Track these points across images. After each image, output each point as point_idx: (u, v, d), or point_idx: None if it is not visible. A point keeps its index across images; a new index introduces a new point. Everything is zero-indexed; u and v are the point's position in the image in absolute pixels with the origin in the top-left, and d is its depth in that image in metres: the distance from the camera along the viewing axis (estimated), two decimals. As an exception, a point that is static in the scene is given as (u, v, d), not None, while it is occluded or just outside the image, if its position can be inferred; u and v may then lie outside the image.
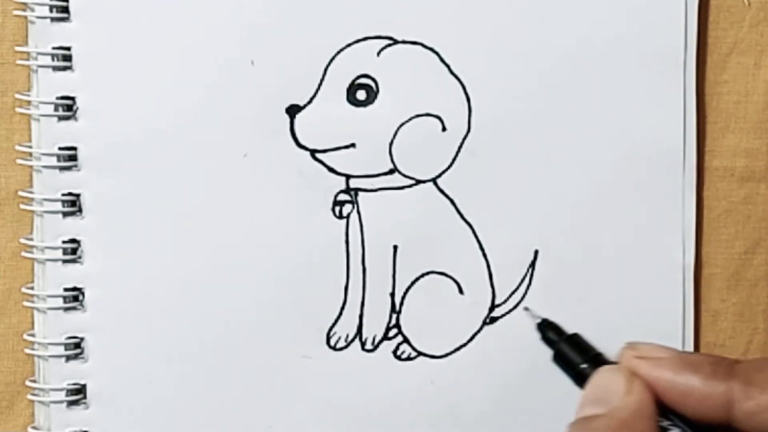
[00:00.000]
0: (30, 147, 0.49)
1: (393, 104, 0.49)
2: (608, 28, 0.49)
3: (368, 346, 0.50)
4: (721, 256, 0.51)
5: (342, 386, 0.50)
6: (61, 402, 0.49)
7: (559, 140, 0.50)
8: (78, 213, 0.49)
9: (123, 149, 0.49)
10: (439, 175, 0.50)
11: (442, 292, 0.50)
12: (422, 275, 0.50)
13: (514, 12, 0.49)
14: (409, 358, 0.50)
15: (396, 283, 0.50)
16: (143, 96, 0.48)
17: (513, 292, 0.50)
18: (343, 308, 0.50)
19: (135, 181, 0.49)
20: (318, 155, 0.49)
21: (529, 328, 0.50)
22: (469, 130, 0.49)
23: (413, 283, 0.50)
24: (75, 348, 0.49)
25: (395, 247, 0.50)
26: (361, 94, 0.49)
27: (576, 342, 0.46)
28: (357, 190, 0.49)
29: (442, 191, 0.50)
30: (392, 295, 0.50)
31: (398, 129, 0.49)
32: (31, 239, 0.49)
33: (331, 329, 0.50)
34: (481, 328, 0.50)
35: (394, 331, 0.50)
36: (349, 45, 0.49)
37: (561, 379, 0.50)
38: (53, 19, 0.48)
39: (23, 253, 0.49)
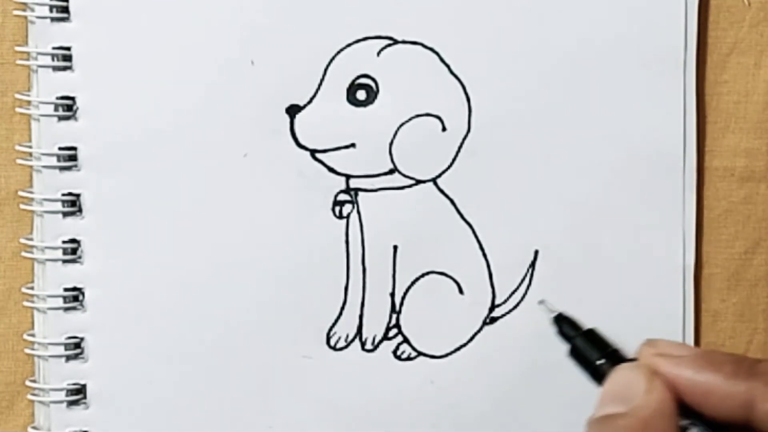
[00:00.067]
0: (30, 147, 0.49)
1: (393, 104, 0.49)
2: (608, 28, 0.49)
3: (368, 346, 0.50)
4: (721, 256, 0.51)
5: (342, 386, 0.50)
6: (61, 402, 0.49)
7: (559, 140, 0.50)
8: (78, 213, 0.49)
9: (123, 149, 0.49)
10: (439, 175, 0.50)
11: (442, 292, 0.50)
12: (422, 275, 0.50)
13: (514, 12, 0.49)
14: (409, 358, 0.50)
15: (396, 283, 0.50)
16: (143, 96, 0.48)
17: (513, 292, 0.50)
18: (343, 308, 0.50)
19: (135, 181, 0.49)
20: (318, 155, 0.49)
21: (529, 327, 0.50)
22: (469, 130, 0.49)
23: (413, 283, 0.50)
24: (75, 348, 0.49)
25: (395, 247, 0.50)
26: (361, 94, 0.49)
27: (593, 337, 0.45)
28: (357, 190, 0.49)
29: (442, 191, 0.50)
30: (392, 295, 0.50)
31: (398, 129, 0.49)
32: (31, 239, 0.49)
33: (331, 329, 0.50)
34: (481, 328, 0.50)
35: (394, 331, 0.50)
36: (349, 45, 0.49)
37: (561, 379, 0.50)
38: (53, 19, 0.48)
39: (23, 253, 0.49)
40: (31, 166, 0.49)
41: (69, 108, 0.48)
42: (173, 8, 0.48)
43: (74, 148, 0.49)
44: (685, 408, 0.40)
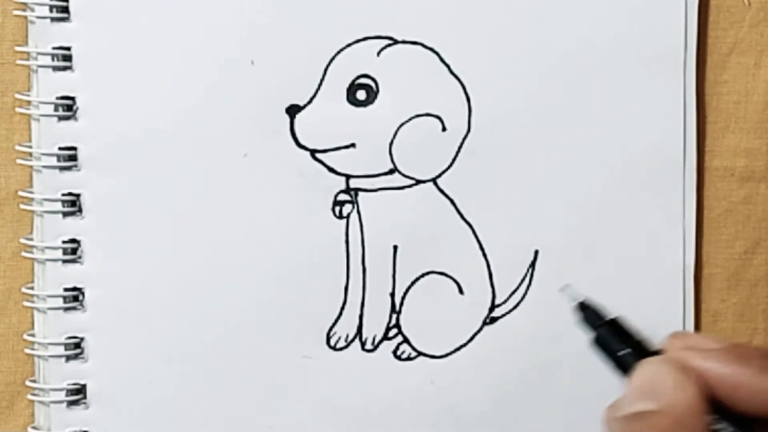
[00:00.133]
0: (30, 147, 0.49)
1: (393, 104, 0.49)
2: (608, 28, 0.49)
3: (368, 346, 0.50)
4: (721, 256, 0.51)
5: (342, 386, 0.50)
6: (61, 402, 0.49)
7: (559, 140, 0.50)
8: (78, 213, 0.49)
9: (123, 149, 0.49)
10: (439, 175, 0.50)
11: (442, 292, 0.50)
12: (422, 275, 0.50)
13: (514, 12, 0.49)
14: (409, 358, 0.50)
15: (396, 283, 0.50)
16: (143, 96, 0.48)
17: (513, 292, 0.50)
18: (343, 308, 0.50)
19: (135, 181, 0.49)
20: (318, 155, 0.49)
21: (529, 327, 0.50)
22: (469, 130, 0.50)
23: (413, 283, 0.50)
24: (75, 348, 0.49)
25: (395, 247, 0.50)
26: (361, 94, 0.49)
27: (617, 326, 0.43)
28: (357, 190, 0.49)
29: (442, 191, 0.50)
30: (392, 295, 0.50)
31: (398, 129, 0.49)
32: (31, 239, 0.49)
33: (331, 329, 0.50)
34: (481, 328, 0.50)
35: (394, 331, 0.50)
36: (349, 45, 0.49)
37: (561, 378, 0.51)
38: (53, 19, 0.48)
39: (23, 253, 0.49)
40: (31, 166, 0.49)
41: (69, 108, 0.48)
42: (173, 8, 0.48)
43: (74, 148, 0.49)
44: (712, 402, 0.38)
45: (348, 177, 0.49)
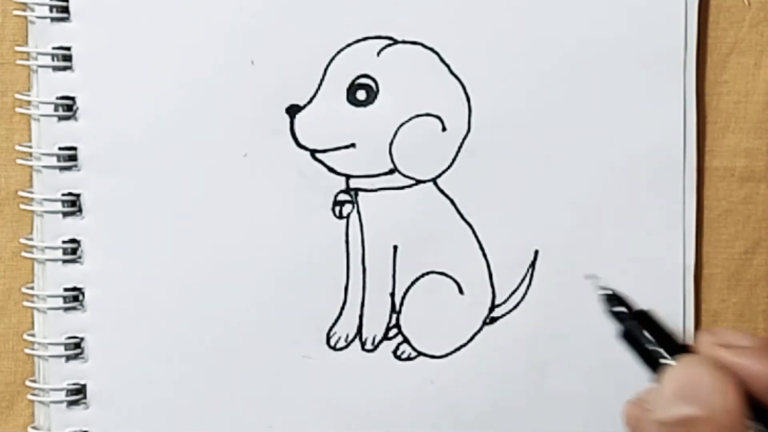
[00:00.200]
0: (30, 147, 0.49)
1: (393, 104, 0.49)
2: (608, 28, 0.49)
3: (368, 346, 0.50)
4: (721, 256, 0.51)
5: (342, 386, 0.50)
6: (61, 402, 0.49)
7: (559, 140, 0.50)
8: (78, 213, 0.49)
9: (123, 149, 0.49)
10: (439, 175, 0.50)
11: (442, 292, 0.50)
12: (422, 275, 0.50)
13: (514, 12, 0.49)
14: (409, 358, 0.50)
15: (396, 283, 0.50)
16: (143, 96, 0.48)
17: (513, 292, 0.50)
18: (343, 308, 0.50)
19: (135, 181, 0.49)
20: (318, 155, 0.49)
21: (529, 327, 0.50)
22: (469, 130, 0.49)
23: (413, 283, 0.50)
24: (75, 348, 0.49)
25: (395, 247, 0.50)
26: (361, 94, 0.49)
27: (647, 319, 0.41)
28: (357, 190, 0.49)
29: (442, 191, 0.50)
30: (392, 295, 0.50)
31: (398, 129, 0.49)
32: (31, 239, 0.49)
33: (331, 329, 0.50)
34: (481, 328, 0.50)
35: (394, 331, 0.50)
36: (349, 45, 0.49)
37: (561, 378, 0.50)
38: (53, 19, 0.48)
39: (23, 253, 0.49)
40: (31, 166, 0.49)
41: (69, 108, 0.48)
42: (173, 8, 0.48)
43: (74, 148, 0.49)
44: (748, 401, 0.37)
45: (348, 177, 0.49)
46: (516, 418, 0.51)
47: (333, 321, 0.50)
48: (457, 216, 0.50)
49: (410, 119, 0.49)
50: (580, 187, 0.50)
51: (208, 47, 0.48)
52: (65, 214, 0.49)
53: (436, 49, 0.49)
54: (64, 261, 0.49)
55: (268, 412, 0.50)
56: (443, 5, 0.49)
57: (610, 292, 0.42)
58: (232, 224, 0.49)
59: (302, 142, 0.49)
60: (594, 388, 0.51)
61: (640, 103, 0.50)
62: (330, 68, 0.49)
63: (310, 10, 0.49)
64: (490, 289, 0.50)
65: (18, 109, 0.49)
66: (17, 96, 0.49)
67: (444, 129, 0.49)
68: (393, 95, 0.49)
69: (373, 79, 0.49)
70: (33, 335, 0.49)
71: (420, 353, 0.50)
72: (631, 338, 0.41)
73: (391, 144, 0.49)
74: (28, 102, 0.49)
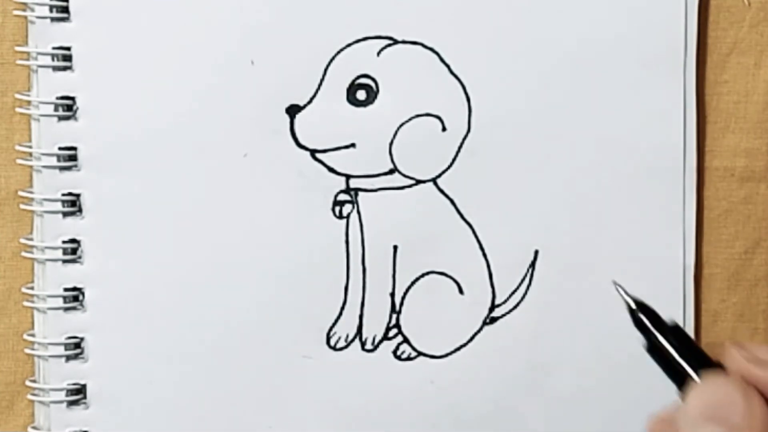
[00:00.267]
0: (30, 147, 0.49)
1: (393, 104, 0.49)
2: (608, 28, 0.49)
3: (368, 346, 0.50)
4: (721, 256, 0.51)
5: (342, 386, 0.50)
6: (61, 402, 0.49)
7: (559, 140, 0.50)
8: (78, 213, 0.49)
9: (123, 149, 0.49)
10: (439, 175, 0.50)
11: (442, 292, 0.50)
12: (422, 275, 0.50)
13: (514, 12, 0.49)
14: (409, 358, 0.50)
15: (396, 283, 0.50)
16: (143, 96, 0.48)
17: (513, 292, 0.50)
18: (343, 308, 0.50)
19: (135, 181, 0.49)
20: (318, 155, 0.49)
21: (529, 327, 0.50)
22: (469, 130, 0.49)
23: (413, 283, 0.50)
24: (75, 348, 0.49)
25: (395, 247, 0.50)
26: (361, 94, 0.49)
27: (676, 333, 0.39)
28: (357, 190, 0.49)
29: (442, 191, 0.50)
30: (392, 295, 0.50)
31: (398, 129, 0.49)
32: (31, 239, 0.49)
33: (331, 329, 0.50)
34: (481, 328, 0.50)
35: (394, 331, 0.50)
36: (349, 45, 0.49)
37: (560, 379, 0.50)
38: (53, 19, 0.48)
39: (23, 253, 0.49)
40: (31, 166, 0.49)
41: (69, 108, 0.48)
42: (173, 8, 0.48)
43: (74, 148, 0.49)
44: None
45: (348, 177, 0.49)
46: (516, 418, 0.51)
47: (333, 321, 0.50)
48: (457, 216, 0.50)
49: (410, 119, 0.49)
50: (580, 187, 0.50)
51: (208, 47, 0.48)
52: (65, 214, 0.49)
53: (436, 49, 0.49)
54: (64, 261, 0.49)
55: (268, 412, 0.50)
56: (443, 5, 0.49)
57: (638, 303, 0.40)
58: (232, 224, 0.49)
59: (302, 142, 0.49)
60: (594, 388, 0.51)
61: (640, 103, 0.50)
62: (330, 68, 0.49)
63: (310, 10, 0.49)
64: (490, 289, 0.50)
65: (18, 109, 0.49)
66: (17, 96, 0.49)
67: (444, 129, 0.49)
68: (393, 95, 0.49)
69: (373, 79, 0.49)
70: (33, 335, 0.49)
71: (420, 353, 0.50)
72: (658, 352, 0.39)
73: (391, 144, 0.49)
74: (28, 102, 0.49)
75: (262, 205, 0.49)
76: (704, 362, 0.38)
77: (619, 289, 0.41)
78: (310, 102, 0.49)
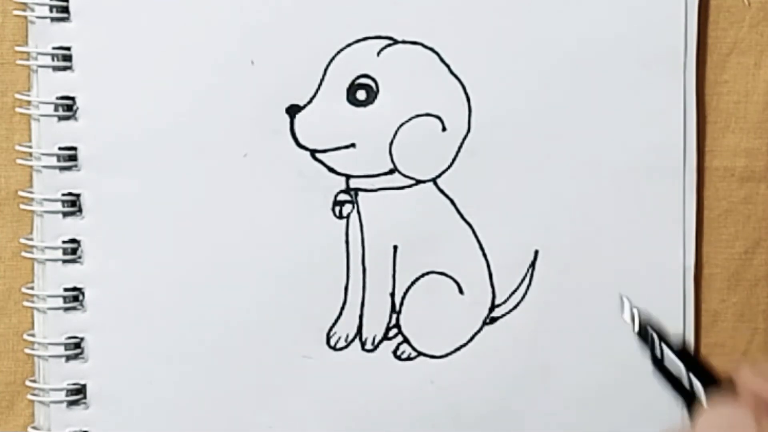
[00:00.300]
0: (30, 147, 0.49)
1: (393, 104, 0.49)
2: (608, 28, 0.49)
3: (368, 346, 0.50)
4: (721, 256, 0.51)
5: (342, 386, 0.50)
6: (61, 402, 0.49)
7: (559, 140, 0.50)
8: (78, 213, 0.49)
9: (123, 149, 0.49)
10: (439, 175, 0.50)
11: (442, 292, 0.50)
12: (422, 275, 0.50)
13: (514, 12, 0.49)
14: (409, 358, 0.50)
15: (396, 283, 0.50)
16: (143, 96, 0.48)
17: (513, 292, 0.50)
18: (343, 308, 0.50)
19: (135, 181, 0.49)
20: (318, 155, 0.49)
21: (529, 327, 0.50)
22: (469, 130, 0.49)
23: (413, 283, 0.50)
24: (75, 348, 0.49)
25: (395, 247, 0.50)
26: (361, 94, 0.49)
27: (683, 351, 0.38)
28: (357, 190, 0.49)
29: (442, 191, 0.50)
30: (392, 295, 0.50)
31: (398, 129, 0.49)
32: (31, 239, 0.49)
33: (331, 329, 0.50)
34: (481, 328, 0.50)
35: (394, 331, 0.50)
36: (349, 45, 0.49)
37: (561, 379, 0.50)
38: (53, 19, 0.48)
39: (23, 253, 0.49)
40: (31, 166, 0.49)
41: (69, 108, 0.48)
42: (173, 8, 0.48)
43: (74, 148, 0.49)
44: None
45: (348, 177, 0.49)
46: (516, 418, 0.51)
47: (333, 321, 0.50)
48: (457, 216, 0.50)
49: (410, 119, 0.49)
50: (580, 187, 0.50)
51: (208, 47, 0.48)
52: (65, 214, 0.49)
53: (436, 49, 0.49)
54: (64, 261, 0.49)
55: (268, 412, 0.50)
56: (443, 5, 0.49)
57: (645, 321, 0.40)
58: (232, 224, 0.49)
59: (302, 142, 0.49)
60: (593, 388, 0.51)
61: (640, 103, 0.50)
62: (330, 68, 0.49)
63: (310, 10, 0.49)
64: (490, 289, 0.50)
65: (18, 109, 0.49)
66: (17, 96, 0.49)
67: (444, 129, 0.49)
68: (393, 95, 0.49)
69: (373, 79, 0.49)
70: (33, 335, 0.49)
71: (420, 353, 0.50)
72: (666, 370, 0.38)
73: (391, 144, 0.49)
74: (28, 102, 0.49)
75: (262, 205, 0.49)
76: (713, 381, 0.37)
77: (626, 306, 0.41)
78: (310, 102, 0.49)
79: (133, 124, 0.49)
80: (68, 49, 0.48)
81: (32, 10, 0.48)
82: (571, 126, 0.50)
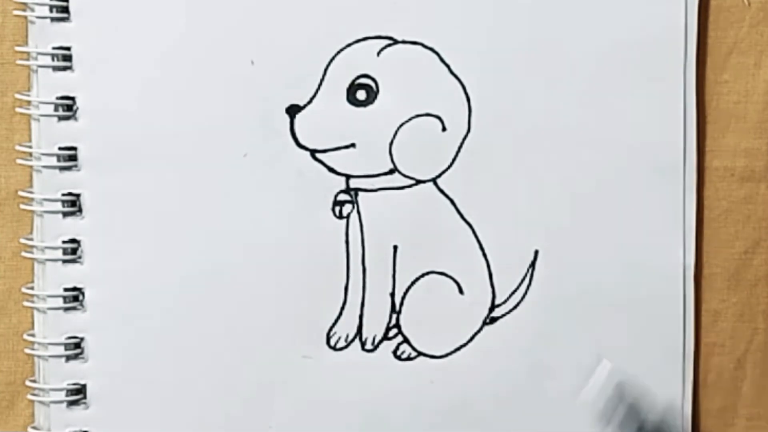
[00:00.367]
0: (30, 147, 0.49)
1: (393, 104, 0.49)
2: (608, 29, 0.49)
3: (368, 346, 0.50)
4: (721, 256, 0.51)
5: (342, 386, 0.50)
6: (61, 402, 0.49)
7: (559, 140, 0.50)
8: (78, 213, 0.49)
9: (123, 149, 0.49)
10: (439, 175, 0.50)
11: (442, 292, 0.50)
12: (422, 275, 0.50)
13: (514, 12, 0.49)
14: (409, 358, 0.50)
15: (396, 283, 0.50)
16: (143, 96, 0.48)
17: (513, 292, 0.50)
18: (343, 308, 0.50)
19: (135, 181, 0.49)
20: (318, 155, 0.49)
21: (529, 327, 0.50)
22: (469, 130, 0.49)
23: (413, 283, 0.50)
24: (75, 348, 0.49)
25: (395, 247, 0.50)
26: (361, 94, 0.49)
27: None
28: (357, 190, 0.49)
29: (442, 191, 0.50)
30: (392, 295, 0.50)
31: (398, 129, 0.49)
32: (31, 239, 0.49)
33: (331, 329, 0.50)
34: (481, 328, 0.50)
35: (394, 331, 0.50)
36: (349, 45, 0.49)
37: (560, 379, 0.50)
38: (53, 19, 0.48)
39: (23, 253, 0.49)
40: (31, 166, 0.49)
41: (69, 108, 0.48)
42: (173, 8, 0.48)
43: (74, 148, 0.49)
44: None
45: (348, 177, 0.49)
46: (516, 418, 0.51)
47: (333, 321, 0.50)
48: (457, 216, 0.50)
49: (410, 119, 0.49)
50: (580, 187, 0.50)
51: (208, 47, 0.48)
52: (65, 214, 0.49)
53: (436, 49, 0.49)
54: (64, 261, 0.49)
55: (268, 412, 0.50)
56: (443, 5, 0.49)
57: (628, 403, 0.41)
58: (232, 224, 0.49)
59: (302, 142, 0.49)
60: (589, 389, 0.51)
61: (640, 103, 0.50)
62: (330, 68, 0.49)
63: (310, 10, 0.49)
64: (490, 289, 0.50)
65: (18, 109, 0.49)
66: (17, 96, 0.49)
67: (444, 129, 0.49)
68: (393, 95, 0.49)
69: (373, 79, 0.49)
70: (33, 335, 0.49)
71: (420, 353, 0.50)
72: None
73: (391, 144, 0.49)
74: (28, 102, 0.49)
75: (262, 205, 0.49)
76: None
77: (607, 377, 0.42)
78: (310, 102, 0.49)
79: (133, 124, 0.49)
80: (68, 49, 0.48)
81: (32, 10, 0.48)
82: (571, 126, 0.50)
